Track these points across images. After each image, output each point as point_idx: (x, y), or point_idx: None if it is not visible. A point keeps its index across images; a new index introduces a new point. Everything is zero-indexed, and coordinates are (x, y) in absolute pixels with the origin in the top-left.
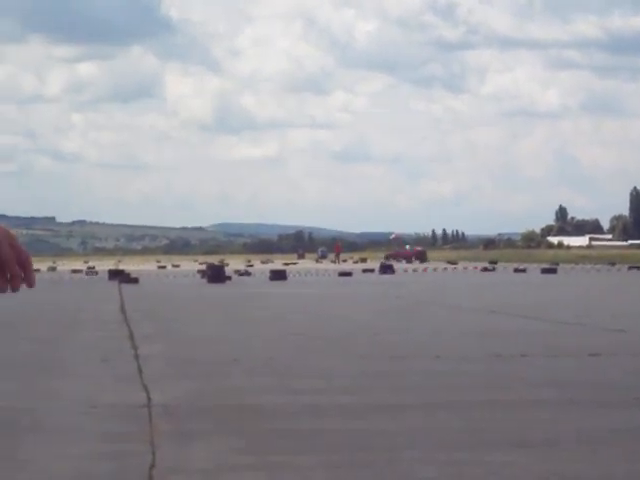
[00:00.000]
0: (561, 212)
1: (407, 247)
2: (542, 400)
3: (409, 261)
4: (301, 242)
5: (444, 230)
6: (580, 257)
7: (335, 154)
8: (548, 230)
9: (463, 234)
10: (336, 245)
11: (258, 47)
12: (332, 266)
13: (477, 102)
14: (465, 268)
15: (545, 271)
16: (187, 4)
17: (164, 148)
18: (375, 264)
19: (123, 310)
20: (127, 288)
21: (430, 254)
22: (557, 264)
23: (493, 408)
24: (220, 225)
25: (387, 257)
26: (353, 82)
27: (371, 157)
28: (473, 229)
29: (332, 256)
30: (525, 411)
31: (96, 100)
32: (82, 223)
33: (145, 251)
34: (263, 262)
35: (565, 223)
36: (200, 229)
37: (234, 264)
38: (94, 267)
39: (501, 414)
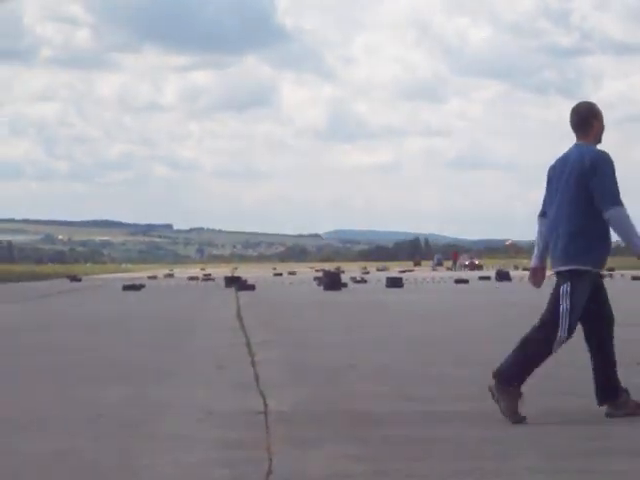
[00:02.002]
0: None
1: (468, 259)
2: None
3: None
4: (417, 249)
5: None
6: None
7: (450, 161)
8: None
9: None
10: (453, 253)
11: (371, 55)
12: (448, 273)
13: None
14: None
15: None
16: (301, 13)
17: (279, 156)
18: (491, 271)
19: (239, 317)
20: (243, 295)
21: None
22: None
23: (609, 422)
24: (336, 232)
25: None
26: (467, 89)
27: (486, 164)
28: None
29: (449, 263)
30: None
31: (211, 108)
32: (199, 230)
33: (261, 258)
34: (379, 269)
35: None
36: (316, 236)
37: (350, 271)
38: (210, 274)
39: (615, 423)
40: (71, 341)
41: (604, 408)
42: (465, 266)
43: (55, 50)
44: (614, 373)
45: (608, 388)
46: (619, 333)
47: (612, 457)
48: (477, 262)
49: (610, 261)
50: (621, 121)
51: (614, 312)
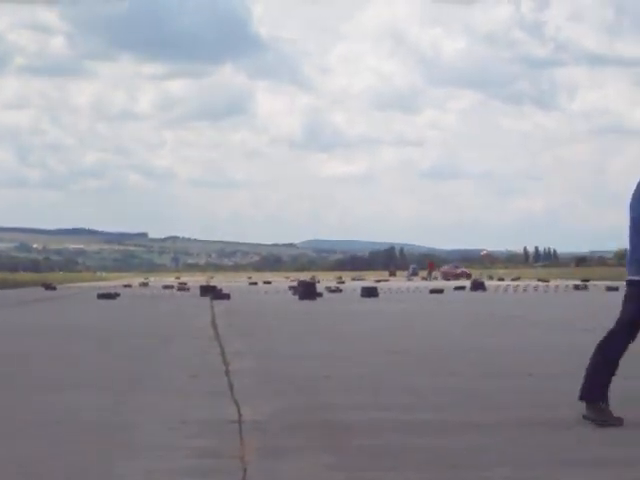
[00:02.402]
0: None
1: (459, 268)
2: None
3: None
4: (392, 259)
5: (536, 248)
6: None
7: (425, 171)
8: None
9: (555, 251)
10: (429, 263)
11: (347, 65)
12: (423, 283)
13: (567, 119)
14: (557, 286)
15: None
16: (277, 22)
17: (254, 165)
18: (466, 281)
19: (214, 326)
20: (218, 304)
21: (521, 271)
22: None
23: (583, 426)
24: (311, 242)
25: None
26: (442, 99)
27: (461, 174)
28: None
29: (424, 273)
30: (621, 429)
31: (186, 117)
32: (174, 239)
33: (236, 267)
34: (354, 279)
35: None
36: (291, 246)
37: (325, 281)
38: (186, 283)
39: (597, 432)
40: (44, 349)
41: (574, 419)
42: (456, 275)
43: (29, 58)
44: (610, 378)
45: (598, 388)
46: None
47: (580, 469)
48: (468, 271)
49: (585, 272)
50: (595, 132)
51: (603, 322)
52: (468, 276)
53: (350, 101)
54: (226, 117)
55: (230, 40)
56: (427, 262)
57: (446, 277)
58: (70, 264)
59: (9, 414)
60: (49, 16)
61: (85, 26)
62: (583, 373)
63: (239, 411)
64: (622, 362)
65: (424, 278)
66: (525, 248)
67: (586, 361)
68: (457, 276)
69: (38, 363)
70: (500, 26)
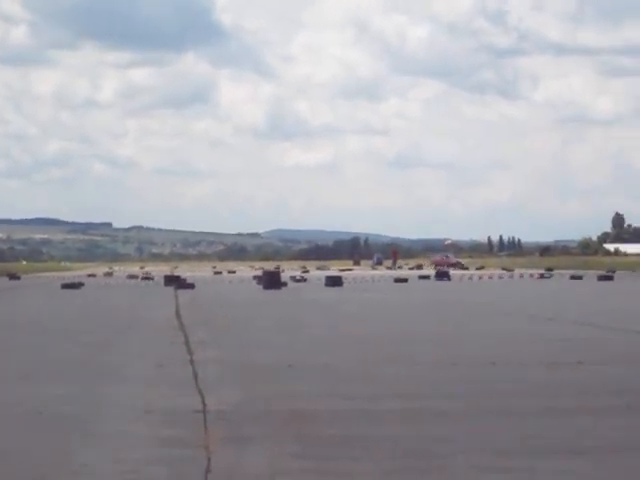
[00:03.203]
0: (617, 219)
1: (448, 256)
2: (600, 407)
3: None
4: (357, 248)
5: (500, 237)
6: (637, 264)
7: (389, 160)
8: (604, 237)
9: (519, 241)
10: (393, 251)
11: (311, 53)
12: (388, 272)
13: (531, 109)
14: (521, 275)
15: (602, 278)
16: (240, 11)
17: (218, 154)
18: (431, 271)
19: (179, 316)
20: (183, 294)
21: (486, 261)
22: (614, 271)
23: (549, 415)
24: (276, 231)
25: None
26: (406, 88)
27: (426, 163)
28: (529, 236)
29: (389, 262)
30: (582, 418)
31: (149, 106)
32: (139, 229)
33: (201, 257)
34: (319, 268)
35: (622, 230)
36: (256, 235)
37: (290, 270)
38: (150, 272)
39: (557, 421)
40: (9, 339)
41: (538, 408)
42: (451, 265)
43: None
44: None
45: None
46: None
47: (557, 456)
48: (462, 262)
49: (549, 261)
50: (559, 122)
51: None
52: (462, 266)
53: (314, 90)
54: (189, 106)
55: (193, 29)
56: (391, 251)
57: (439, 266)
58: (35, 254)
59: None
60: (11, 5)
61: (48, 15)
62: (546, 362)
63: (203, 401)
64: None
65: (389, 267)
66: (489, 237)
67: (549, 350)
68: (452, 266)
69: (3, 354)
70: (463, 15)
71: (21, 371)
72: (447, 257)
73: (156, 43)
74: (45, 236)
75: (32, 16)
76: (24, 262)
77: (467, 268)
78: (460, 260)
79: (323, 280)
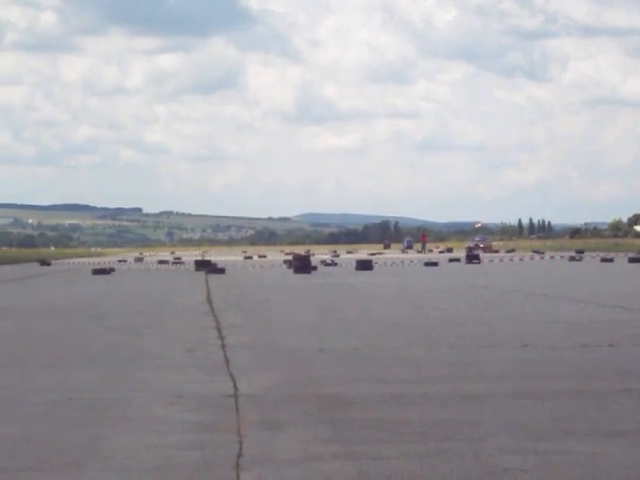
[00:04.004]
0: None
1: (480, 239)
2: (631, 389)
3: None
4: (387, 232)
5: (530, 220)
6: None
7: (418, 143)
8: (635, 219)
9: (549, 223)
10: (422, 235)
11: (339, 37)
12: (418, 256)
13: (559, 90)
14: (552, 257)
15: (632, 260)
16: None
17: (247, 139)
18: (461, 254)
19: (210, 300)
20: (214, 278)
21: (516, 243)
22: None
23: (581, 397)
24: (306, 215)
25: (469, 249)
26: (434, 71)
27: (455, 146)
28: (559, 218)
29: (418, 246)
30: (613, 401)
31: (178, 92)
32: (169, 214)
33: (231, 242)
34: (349, 252)
35: None
36: (286, 219)
37: (320, 254)
38: (180, 257)
39: (589, 403)
40: (42, 325)
41: (569, 390)
42: (480, 248)
43: (20, 34)
44: None
45: None
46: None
47: (582, 438)
48: (491, 245)
49: (579, 243)
50: (588, 103)
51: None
52: (492, 249)
53: (342, 73)
54: (218, 91)
55: (221, 13)
56: (420, 235)
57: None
58: (65, 240)
59: (17, 393)
60: None
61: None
62: (578, 344)
63: (235, 385)
64: None
65: (419, 251)
66: (520, 220)
67: (580, 332)
68: (483, 249)
69: (38, 340)
70: None
71: (53, 357)
72: (479, 242)
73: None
74: (75, 222)
75: (60, 3)
76: (52, 248)
77: (497, 251)
78: (490, 244)
79: (353, 264)
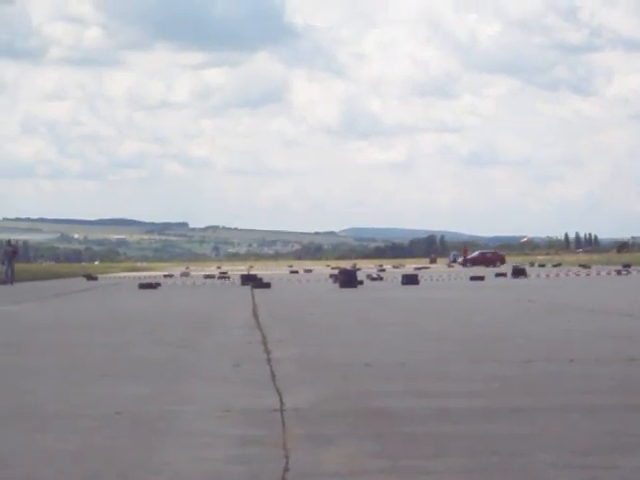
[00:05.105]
0: None
1: (490, 252)
2: None
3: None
4: (433, 246)
5: (577, 233)
6: None
7: (464, 158)
8: None
9: (596, 237)
10: (464, 249)
11: (383, 51)
12: (464, 270)
13: (605, 104)
14: (598, 272)
15: None
16: (312, 10)
17: (293, 153)
18: (508, 268)
19: (255, 314)
20: (259, 293)
21: (562, 258)
22: None
23: (627, 412)
24: (352, 230)
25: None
26: (479, 85)
27: (500, 160)
28: (606, 232)
29: (461, 260)
30: None
31: (223, 106)
32: (215, 229)
33: (277, 256)
34: (395, 266)
35: None
36: (332, 234)
37: (366, 269)
38: (226, 272)
39: (635, 418)
40: (89, 339)
41: (616, 405)
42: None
43: (65, 49)
44: None
45: None
46: None
47: (629, 453)
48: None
49: (626, 257)
50: (633, 116)
51: None
52: (501, 259)
53: (387, 88)
54: (263, 105)
55: (266, 28)
56: (462, 249)
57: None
58: (111, 254)
59: (65, 407)
60: (84, 7)
61: (120, 16)
62: (625, 358)
63: (281, 399)
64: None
65: (461, 264)
66: (566, 234)
67: (627, 346)
68: (490, 260)
69: (86, 354)
70: (535, 12)
71: (101, 370)
72: (454, 258)
73: (229, 43)
74: (122, 236)
75: (105, 18)
76: (96, 263)
77: (504, 262)
78: (496, 251)
79: (399, 278)
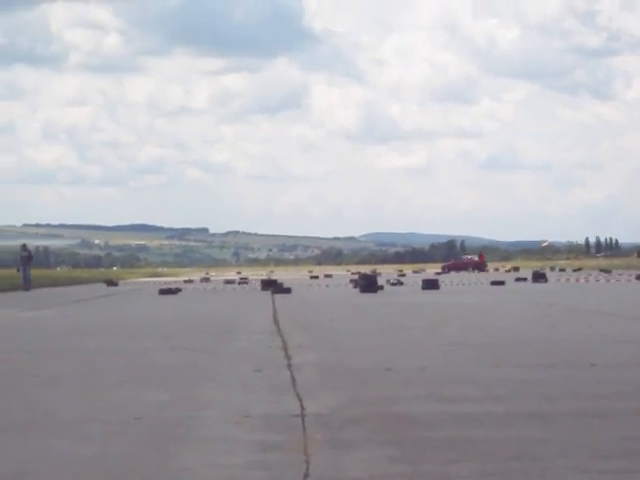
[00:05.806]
0: None
1: (469, 257)
2: None
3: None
4: (453, 251)
5: (597, 238)
6: None
7: (483, 162)
8: None
9: (617, 242)
10: (480, 255)
11: (402, 57)
12: (484, 275)
13: (624, 108)
14: (619, 277)
15: None
16: (330, 15)
17: (312, 158)
18: (528, 273)
19: (276, 320)
20: (280, 298)
21: (583, 262)
22: None
23: None
24: (372, 235)
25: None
26: (497, 90)
27: (520, 165)
28: (627, 237)
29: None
30: None
31: (243, 112)
32: (235, 234)
33: (297, 261)
34: (415, 271)
35: None
36: (352, 239)
37: (386, 274)
38: (246, 277)
39: None
40: (109, 345)
41: (637, 410)
42: (464, 267)
43: (85, 55)
44: None
45: None
46: None
47: None
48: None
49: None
50: None
51: None
52: (482, 266)
53: (406, 93)
54: (282, 111)
55: (285, 34)
56: (479, 254)
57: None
58: (132, 260)
59: (85, 412)
60: (103, 13)
61: (140, 22)
62: None
63: (302, 404)
64: None
65: (481, 270)
66: (587, 239)
67: None
68: (470, 265)
69: (106, 360)
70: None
71: (121, 376)
72: (467, 259)
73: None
74: (142, 242)
75: (124, 25)
76: (114, 268)
77: (487, 270)
78: (475, 258)
79: (420, 283)
